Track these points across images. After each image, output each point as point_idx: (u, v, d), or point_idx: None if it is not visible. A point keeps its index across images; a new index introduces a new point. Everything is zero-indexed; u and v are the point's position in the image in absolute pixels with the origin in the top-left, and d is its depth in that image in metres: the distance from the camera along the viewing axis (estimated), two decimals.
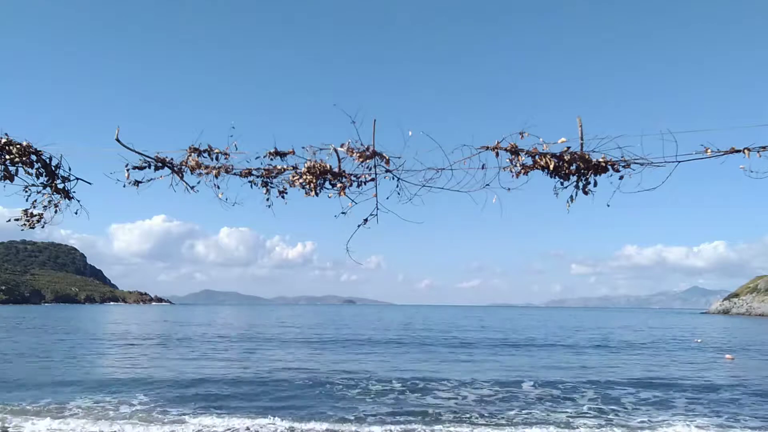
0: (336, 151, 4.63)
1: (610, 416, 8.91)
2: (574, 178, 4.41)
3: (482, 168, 4.44)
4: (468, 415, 8.69)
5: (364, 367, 15.32)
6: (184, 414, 9.11)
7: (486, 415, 8.75)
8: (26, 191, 4.82)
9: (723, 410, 10.11)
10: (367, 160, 4.61)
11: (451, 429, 8.08)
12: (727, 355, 21.27)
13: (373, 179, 4.74)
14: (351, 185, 4.75)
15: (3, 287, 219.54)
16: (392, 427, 8.28)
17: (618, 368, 16.42)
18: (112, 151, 4.67)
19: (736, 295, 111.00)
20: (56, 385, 12.17)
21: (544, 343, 26.53)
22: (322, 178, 4.70)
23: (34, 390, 11.33)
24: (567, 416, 8.93)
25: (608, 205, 4.47)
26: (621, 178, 4.32)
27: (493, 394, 11.03)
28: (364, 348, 21.64)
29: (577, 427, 8.50)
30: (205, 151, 4.87)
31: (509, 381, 12.47)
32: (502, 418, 8.62)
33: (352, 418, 8.75)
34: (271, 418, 8.75)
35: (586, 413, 9.37)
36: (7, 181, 4.71)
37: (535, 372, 13.75)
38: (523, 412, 8.90)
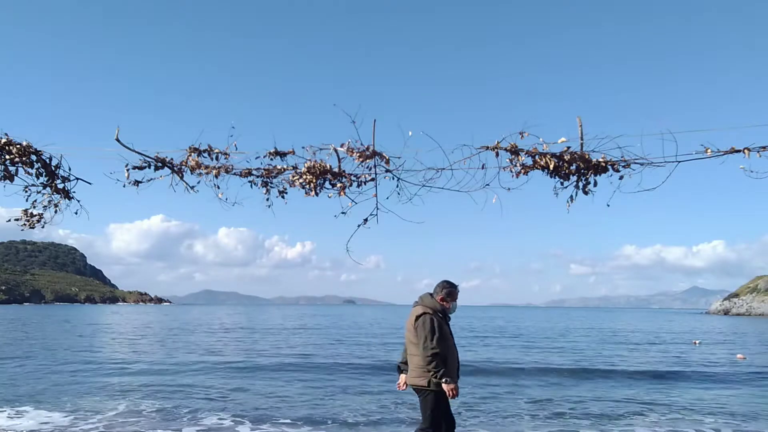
0: (336, 151, 4.63)
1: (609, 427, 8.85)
2: (574, 178, 4.41)
3: (482, 168, 4.44)
4: None
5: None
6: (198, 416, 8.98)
7: None
8: (26, 191, 4.82)
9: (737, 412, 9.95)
10: (367, 160, 4.61)
11: None
12: (738, 355, 21.13)
13: (373, 179, 4.74)
14: (351, 185, 4.74)
15: (3, 287, 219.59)
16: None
17: (623, 372, 16.32)
18: (112, 151, 4.68)
19: (736, 295, 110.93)
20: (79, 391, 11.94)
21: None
22: (322, 178, 4.70)
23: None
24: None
25: (608, 205, 4.47)
26: (621, 178, 4.31)
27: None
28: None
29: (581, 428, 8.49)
30: (205, 151, 4.87)
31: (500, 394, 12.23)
32: None
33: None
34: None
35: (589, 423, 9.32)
36: (7, 181, 4.72)
37: (529, 390, 12.86)
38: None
